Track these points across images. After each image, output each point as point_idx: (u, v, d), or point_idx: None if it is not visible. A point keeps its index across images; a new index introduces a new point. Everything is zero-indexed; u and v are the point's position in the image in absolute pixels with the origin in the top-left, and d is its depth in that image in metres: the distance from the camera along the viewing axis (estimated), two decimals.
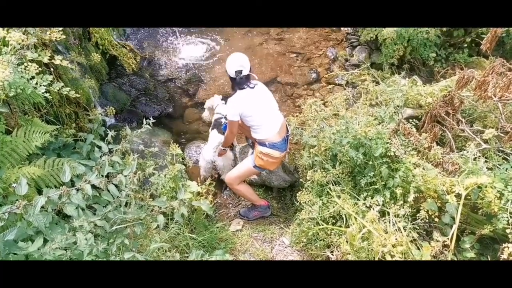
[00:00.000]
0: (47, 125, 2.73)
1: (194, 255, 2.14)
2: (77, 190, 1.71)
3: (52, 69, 2.90)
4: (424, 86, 3.91)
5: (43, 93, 2.23)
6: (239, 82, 3.09)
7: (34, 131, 2.42)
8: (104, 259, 1.96)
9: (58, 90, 2.40)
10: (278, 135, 3.20)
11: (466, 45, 4.80)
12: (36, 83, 2.29)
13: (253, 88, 3.12)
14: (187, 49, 5.69)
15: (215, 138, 3.76)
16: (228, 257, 2.14)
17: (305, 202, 3.05)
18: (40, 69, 2.47)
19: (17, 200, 1.69)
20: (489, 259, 2.59)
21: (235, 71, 3.06)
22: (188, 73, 5.33)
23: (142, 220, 1.91)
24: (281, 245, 3.27)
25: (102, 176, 1.76)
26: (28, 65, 2.40)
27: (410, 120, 3.31)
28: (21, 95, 2.90)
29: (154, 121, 2.27)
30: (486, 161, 2.76)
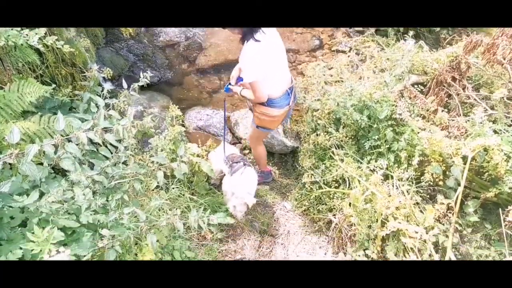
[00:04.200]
0: (43, 86, 2.63)
1: (194, 214, 2.09)
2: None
3: None
4: (430, 52, 3.79)
5: (36, 43, 2.11)
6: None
7: (28, 85, 2.32)
8: (103, 222, 1.91)
9: (51, 44, 2.28)
10: (278, 90, 2.72)
11: None
12: (27, 35, 2.16)
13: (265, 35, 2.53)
14: None
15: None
16: (230, 220, 2.09)
17: (308, 167, 3.00)
18: None
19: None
20: (491, 225, 2.59)
21: None
22: (188, 39, 5.17)
23: (141, 175, 1.86)
24: (283, 210, 3.24)
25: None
26: None
27: (416, 86, 3.22)
28: (14, 53, 2.80)
29: (151, 75, 2.17)
30: (493, 124, 2.70)
